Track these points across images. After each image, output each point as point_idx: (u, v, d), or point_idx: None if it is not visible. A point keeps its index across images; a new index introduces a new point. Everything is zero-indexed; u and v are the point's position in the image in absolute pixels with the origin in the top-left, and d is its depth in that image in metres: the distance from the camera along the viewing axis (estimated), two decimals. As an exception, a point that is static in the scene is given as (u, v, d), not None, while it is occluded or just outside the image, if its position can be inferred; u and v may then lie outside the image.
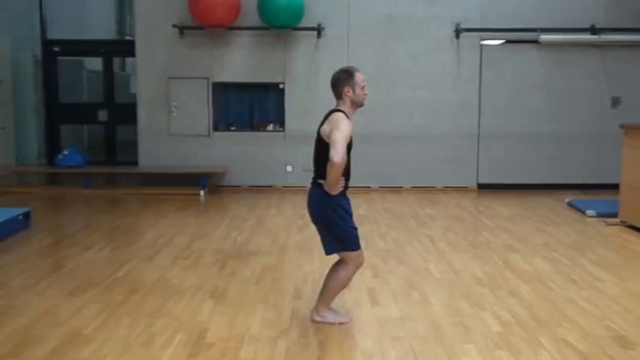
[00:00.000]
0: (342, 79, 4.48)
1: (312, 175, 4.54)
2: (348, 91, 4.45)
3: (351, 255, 4.56)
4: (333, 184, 4.33)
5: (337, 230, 4.49)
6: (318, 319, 4.65)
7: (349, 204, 4.56)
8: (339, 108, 4.48)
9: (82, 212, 9.58)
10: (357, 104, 4.51)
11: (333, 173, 4.25)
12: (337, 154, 4.18)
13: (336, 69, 4.58)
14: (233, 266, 6.22)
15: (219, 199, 10.44)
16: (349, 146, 4.37)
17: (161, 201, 10.02)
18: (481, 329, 4.57)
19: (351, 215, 4.55)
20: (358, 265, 4.64)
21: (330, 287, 4.65)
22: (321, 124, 4.45)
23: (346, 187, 4.50)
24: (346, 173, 4.43)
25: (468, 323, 4.68)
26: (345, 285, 4.70)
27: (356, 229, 4.57)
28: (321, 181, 4.40)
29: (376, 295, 5.34)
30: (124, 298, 5.22)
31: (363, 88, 4.49)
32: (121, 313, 4.84)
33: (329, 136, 4.29)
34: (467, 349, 4.21)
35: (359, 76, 4.48)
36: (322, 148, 4.37)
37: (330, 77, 4.55)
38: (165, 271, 6.04)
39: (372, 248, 6.96)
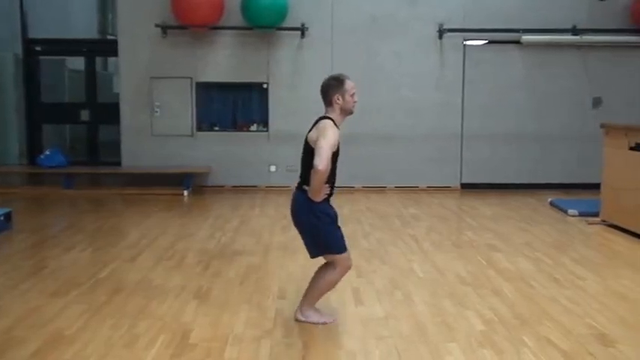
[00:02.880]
0: (332, 87, 4.47)
1: (298, 179, 4.54)
2: (338, 99, 4.44)
3: (338, 258, 4.55)
4: (317, 191, 4.33)
5: (321, 234, 4.49)
6: (302, 318, 4.65)
7: (333, 210, 4.55)
8: (328, 115, 4.47)
9: (65, 213, 9.50)
10: (346, 112, 4.50)
11: (317, 180, 4.25)
12: (321, 161, 4.18)
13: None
14: (217, 266, 6.21)
15: (203, 199, 10.41)
16: (335, 154, 4.37)
17: (144, 201, 9.97)
18: (464, 328, 4.59)
19: (335, 220, 4.55)
20: (346, 269, 4.63)
21: (316, 288, 4.65)
22: (310, 131, 4.45)
23: (330, 194, 4.50)
24: (331, 181, 4.43)
25: (451, 322, 4.71)
26: (330, 287, 4.71)
27: (340, 231, 4.56)
28: (306, 187, 4.40)
29: (360, 295, 5.35)
30: (107, 298, 5.19)
31: (353, 95, 4.48)
32: (104, 314, 4.81)
33: (315, 142, 4.29)
34: (450, 347, 4.23)
35: (349, 84, 4.47)
36: (308, 154, 4.36)
37: (320, 84, 4.52)
38: (149, 271, 6.02)
39: (355, 248, 6.95)
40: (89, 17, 13.94)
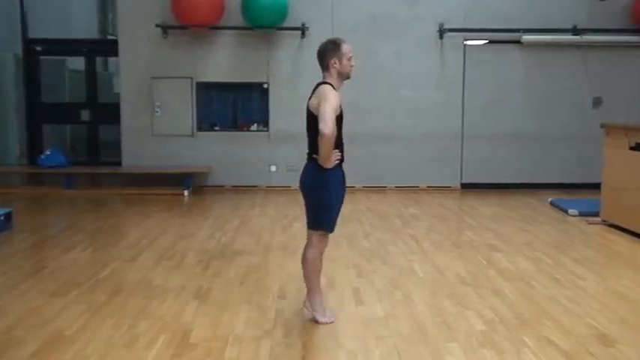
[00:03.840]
0: (328, 51, 4.46)
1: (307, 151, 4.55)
2: (335, 63, 4.44)
3: (320, 236, 4.57)
4: (327, 157, 4.33)
5: (322, 207, 4.51)
6: (309, 309, 4.68)
7: (344, 177, 4.58)
8: (325, 80, 4.47)
9: (65, 213, 9.50)
10: (343, 76, 4.50)
11: (325, 145, 4.25)
12: (326, 126, 4.18)
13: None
14: (217, 266, 6.21)
15: (203, 199, 10.41)
16: (340, 118, 4.37)
17: (145, 201, 9.97)
18: (465, 328, 4.59)
19: (344, 187, 4.58)
20: (323, 247, 4.65)
21: (308, 274, 4.65)
22: (310, 98, 4.45)
23: (342, 159, 4.49)
24: (340, 145, 4.43)
25: (451, 322, 4.71)
26: (316, 266, 4.65)
27: (338, 211, 4.59)
28: (316, 156, 4.39)
29: (360, 295, 5.35)
30: (107, 298, 5.19)
31: (350, 59, 4.48)
32: (104, 314, 4.81)
33: (317, 109, 4.28)
34: (451, 347, 4.23)
35: (346, 47, 4.47)
36: (312, 122, 4.36)
37: (317, 48, 4.52)
38: (149, 271, 6.02)
39: (356, 248, 6.98)
40: (89, 17, 13.94)
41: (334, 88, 4.40)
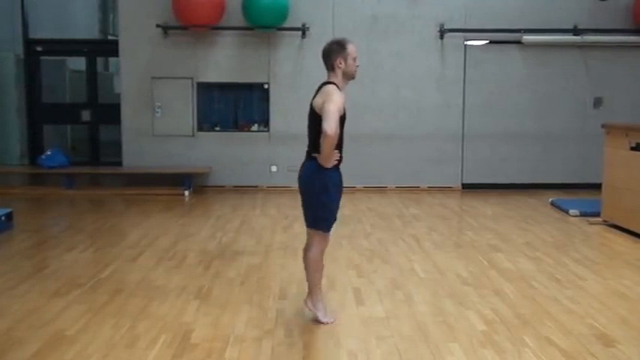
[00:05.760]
0: (334, 51, 4.47)
1: (306, 149, 4.55)
2: (340, 63, 4.45)
3: (321, 236, 4.59)
4: (328, 157, 4.34)
5: (320, 207, 4.52)
6: (310, 307, 4.68)
7: (341, 179, 4.58)
8: (330, 80, 4.48)
9: (66, 213, 9.51)
10: (348, 76, 4.51)
11: (327, 145, 4.26)
12: (330, 126, 4.18)
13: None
14: (218, 267, 6.21)
15: (204, 200, 10.41)
16: (342, 118, 4.37)
17: (145, 201, 9.98)
18: (465, 328, 4.59)
19: (340, 191, 4.59)
20: (324, 247, 4.67)
21: (310, 272, 4.66)
22: (314, 97, 4.45)
23: (340, 159, 4.50)
24: (340, 146, 4.44)
25: (452, 322, 4.71)
26: (319, 265, 4.68)
27: (335, 212, 4.60)
28: (316, 155, 4.40)
29: (361, 295, 5.35)
30: (107, 299, 5.19)
31: (355, 59, 4.49)
32: (105, 314, 4.81)
33: (321, 108, 4.29)
34: (451, 347, 4.23)
35: (351, 48, 4.48)
36: (315, 121, 4.36)
37: (322, 49, 4.53)
38: (150, 271, 6.02)
39: (356, 248, 6.98)
40: (90, 17, 13.96)
41: (339, 89, 4.41)
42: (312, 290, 4.69)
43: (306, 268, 4.69)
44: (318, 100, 4.39)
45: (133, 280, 5.71)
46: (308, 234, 4.71)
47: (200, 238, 7.53)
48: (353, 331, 4.55)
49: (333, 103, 4.26)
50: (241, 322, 4.67)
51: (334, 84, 4.43)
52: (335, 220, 4.64)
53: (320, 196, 4.49)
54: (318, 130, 4.28)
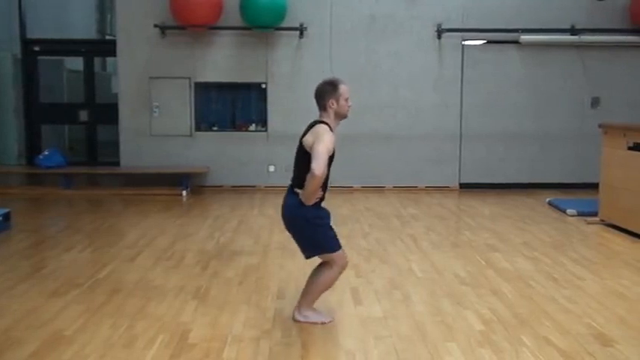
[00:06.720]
0: (326, 92, 4.46)
1: (289, 181, 4.54)
2: (333, 104, 4.44)
3: (333, 256, 4.55)
4: (311, 195, 4.34)
5: (313, 235, 4.50)
6: (300, 319, 4.65)
7: (325, 211, 4.56)
8: (322, 120, 4.47)
9: (63, 213, 9.50)
10: (340, 116, 4.51)
11: (313, 184, 4.25)
12: (319, 166, 4.18)
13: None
14: (216, 267, 6.21)
15: (202, 200, 10.41)
16: (330, 159, 4.37)
17: (143, 201, 9.97)
18: (463, 328, 4.60)
19: (327, 222, 4.55)
20: (342, 267, 4.63)
21: (314, 288, 4.65)
22: (304, 134, 4.45)
23: (322, 198, 4.50)
24: (324, 185, 4.43)
25: (450, 322, 4.71)
26: (328, 286, 4.71)
27: (332, 230, 4.56)
28: (298, 190, 4.40)
29: (359, 295, 5.36)
30: (105, 299, 5.19)
31: (347, 100, 4.48)
32: (103, 315, 4.81)
33: (311, 147, 4.29)
34: (449, 347, 4.24)
35: (343, 88, 4.46)
36: (303, 158, 4.36)
37: (315, 89, 4.52)
38: (148, 271, 6.02)
39: (354, 248, 6.97)
40: (88, 17, 13.94)
41: (330, 129, 4.40)
42: (304, 304, 4.66)
43: (313, 283, 4.64)
44: (308, 139, 4.37)
45: (131, 280, 5.71)
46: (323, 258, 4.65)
47: (198, 238, 7.53)
48: (351, 331, 4.55)
49: (323, 143, 4.25)
50: (239, 322, 4.67)
51: (326, 124, 4.42)
52: (335, 236, 4.58)
53: (308, 226, 4.46)
54: (304, 167, 4.27)
